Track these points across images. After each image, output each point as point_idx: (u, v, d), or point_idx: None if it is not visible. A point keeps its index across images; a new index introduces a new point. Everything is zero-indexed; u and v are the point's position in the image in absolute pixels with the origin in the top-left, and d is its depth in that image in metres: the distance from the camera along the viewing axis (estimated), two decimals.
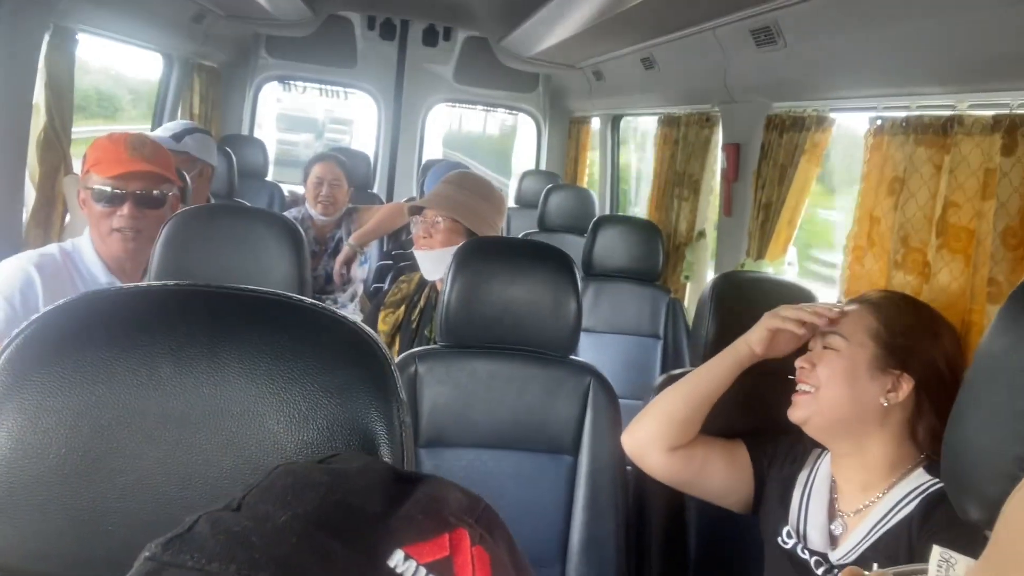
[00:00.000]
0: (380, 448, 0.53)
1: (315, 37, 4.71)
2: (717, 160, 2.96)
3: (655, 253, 2.93)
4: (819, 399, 1.19)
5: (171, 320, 0.52)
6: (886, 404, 1.15)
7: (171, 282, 0.55)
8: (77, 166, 2.61)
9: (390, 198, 4.97)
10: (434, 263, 1.90)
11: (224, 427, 0.51)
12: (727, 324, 1.65)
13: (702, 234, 3.15)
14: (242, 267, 1.55)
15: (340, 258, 3.11)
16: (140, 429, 0.50)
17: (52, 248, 1.64)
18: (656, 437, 1.33)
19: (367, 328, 0.57)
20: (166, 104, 4.04)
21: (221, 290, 0.55)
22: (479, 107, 5.59)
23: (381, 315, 2.06)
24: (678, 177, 3.26)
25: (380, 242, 3.72)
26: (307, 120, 11.53)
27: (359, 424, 0.53)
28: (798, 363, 1.23)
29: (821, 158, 2.37)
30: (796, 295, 1.66)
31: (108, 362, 0.50)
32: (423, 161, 5.17)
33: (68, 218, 2.55)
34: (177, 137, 2.81)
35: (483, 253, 1.68)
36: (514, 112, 5.62)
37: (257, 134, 5.03)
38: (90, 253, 1.64)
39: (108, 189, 1.58)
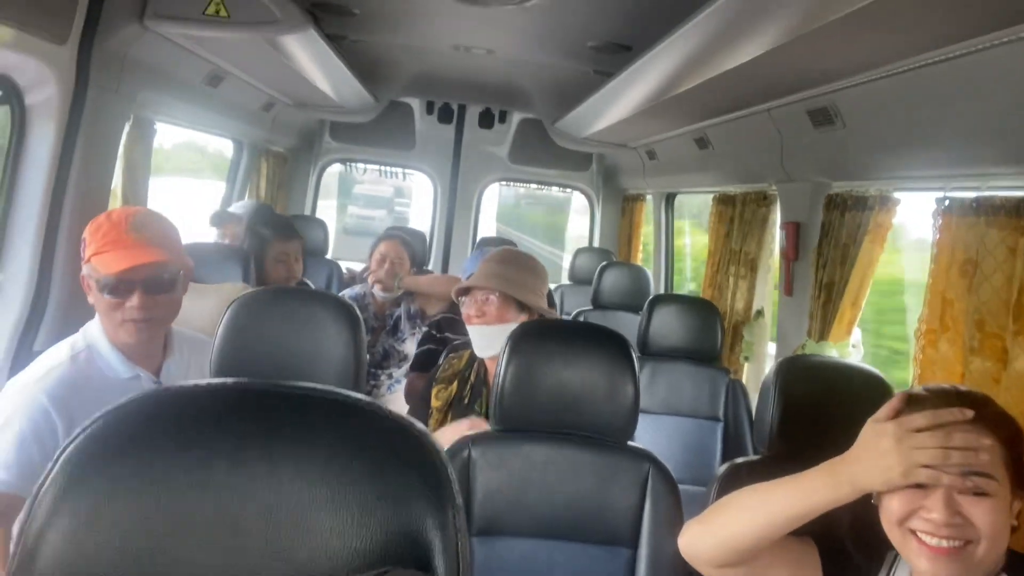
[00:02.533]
0: (435, 559, 0.50)
1: (376, 121, 4.92)
2: (775, 238, 2.91)
3: (713, 333, 2.86)
4: (975, 555, 0.99)
5: (226, 420, 0.51)
6: (1015, 525, 1.02)
7: (227, 380, 0.55)
8: None
9: None
10: (488, 339, 1.90)
11: (277, 534, 0.49)
12: (793, 410, 1.58)
13: (760, 313, 3.08)
14: (301, 349, 1.56)
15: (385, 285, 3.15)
16: (193, 535, 0.49)
17: (63, 354, 1.53)
18: (716, 556, 1.20)
19: (424, 430, 0.55)
20: (235, 185, 4.24)
21: (276, 388, 0.54)
22: (533, 185, 5.70)
23: (434, 391, 2.05)
24: (734, 255, 3.21)
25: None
26: (380, 198, 12.56)
27: (414, 533, 0.50)
28: (940, 517, 0.98)
29: (885, 238, 2.30)
30: (867, 382, 1.58)
31: (165, 466, 0.49)
32: (478, 238, 5.26)
33: None
34: (254, 212, 2.97)
35: (538, 335, 1.66)
36: (567, 191, 5.70)
37: (320, 211, 5.22)
38: (105, 346, 1.56)
39: (114, 280, 1.48)
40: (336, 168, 5.71)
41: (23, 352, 2.23)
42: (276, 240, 2.78)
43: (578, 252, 4.89)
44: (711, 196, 3.64)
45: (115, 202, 2.55)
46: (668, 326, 2.86)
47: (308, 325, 1.58)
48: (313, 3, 2.94)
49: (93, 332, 1.57)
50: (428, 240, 5.12)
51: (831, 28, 1.64)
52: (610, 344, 1.65)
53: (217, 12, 2.20)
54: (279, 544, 0.49)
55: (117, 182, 2.55)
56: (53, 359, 1.52)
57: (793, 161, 2.59)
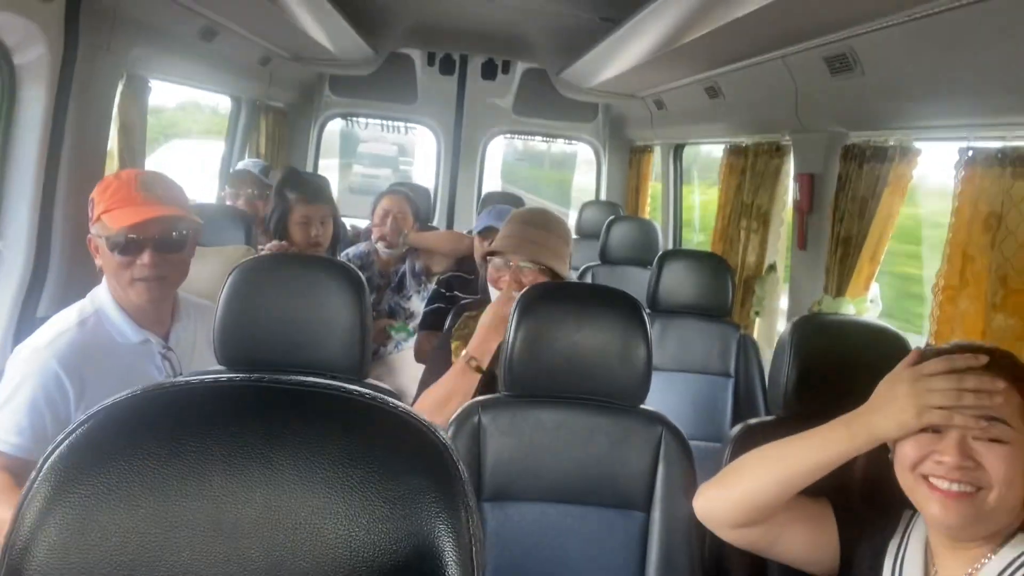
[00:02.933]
0: (448, 568, 0.47)
1: (376, 74, 4.79)
2: (788, 191, 2.84)
3: (724, 288, 2.81)
4: (986, 502, 0.98)
5: (223, 421, 0.47)
6: None
7: (222, 376, 0.51)
8: None
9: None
10: None
11: (278, 540, 0.46)
12: (809, 370, 1.54)
13: (772, 268, 3.02)
14: (304, 317, 1.53)
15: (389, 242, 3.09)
16: (189, 543, 0.46)
17: (72, 319, 1.52)
18: (734, 517, 1.21)
19: (436, 428, 0.51)
20: (234, 143, 4.16)
21: (277, 384, 0.50)
22: (538, 138, 5.59)
23: (453, 346, 2.02)
24: (746, 208, 3.14)
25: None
26: (385, 157, 12.61)
27: (425, 539, 0.47)
28: (952, 460, 0.98)
29: (906, 191, 2.23)
30: (887, 341, 1.54)
31: (157, 471, 0.46)
32: (482, 194, 5.18)
33: None
34: (264, 172, 2.90)
35: (548, 298, 1.62)
36: (573, 142, 5.59)
37: (322, 169, 5.14)
38: (114, 310, 1.55)
39: (124, 238, 1.48)
40: (338, 126, 5.61)
41: (26, 319, 2.20)
42: (299, 202, 2.70)
43: (585, 206, 4.82)
44: (719, 148, 3.55)
45: (112, 163, 2.50)
46: (678, 282, 2.81)
47: (311, 292, 1.54)
48: None
49: (101, 296, 1.57)
50: (432, 196, 5.05)
51: None
52: (622, 306, 1.61)
53: None
54: (281, 553, 0.46)
55: (113, 143, 2.48)
56: (62, 324, 1.52)
57: (808, 110, 2.50)
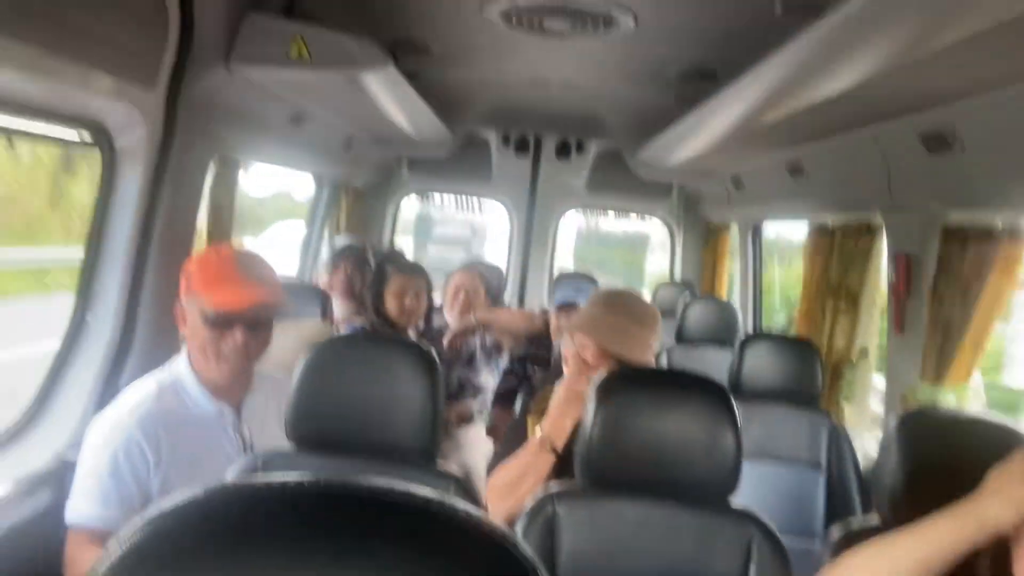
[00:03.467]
0: None
1: (452, 155, 4.93)
2: (881, 272, 2.68)
3: (812, 373, 2.65)
4: None
5: (289, 532, 0.42)
6: None
7: (290, 478, 0.46)
8: None
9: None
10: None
11: None
12: (920, 471, 1.39)
13: (864, 352, 2.84)
14: (379, 396, 1.51)
15: (460, 326, 3.08)
16: None
17: (150, 389, 1.57)
18: None
19: (524, 547, 0.45)
20: (316, 221, 4.30)
21: (349, 490, 0.45)
22: (611, 213, 5.59)
23: (530, 421, 1.95)
24: (833, 289, 2.99)
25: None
26: (458, 238, 13.39)
27: None
28: None
29: (1015, 274, 2.07)
30: (1010, 441, 1.38)
31: None
32: (555, 273, 5.17)
33: None
34: (347, 249, 3.01)
35: (628, 383, 1.54)
36: (646, 218, 5.56)
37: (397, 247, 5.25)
38: (191, 381, 1.59)
39: (219, 315, 1.53)
40: (414, 208, 5.77)
41: (110, 391, 2.25)
42: (396, 274, 2.80)
43: (659, 286, 4.73)
44: (795, 226, 3.43)
45: (201, 241, 2.59)
46: (763, 365, 2.67)
47: (385, 372, 1.53)
48: (392, 41, 2.96)
49: (179, 367, 1.61)
50: (504, 274, 5.07)
51: (951, 50, 1.48)
52: (708, 393, 1.52)
53: (300, 54, 2.21)
54: None
55: (202, 222, 2.58)
56: (141, 394, 1.56)
57: (903, 188, 2.38)
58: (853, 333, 2.85)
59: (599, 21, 2.60)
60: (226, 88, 2.31)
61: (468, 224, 12.99)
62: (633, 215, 5.66)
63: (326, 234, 4.36)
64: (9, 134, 1.74)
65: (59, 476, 2.01)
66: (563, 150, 5.08)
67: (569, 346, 1.82)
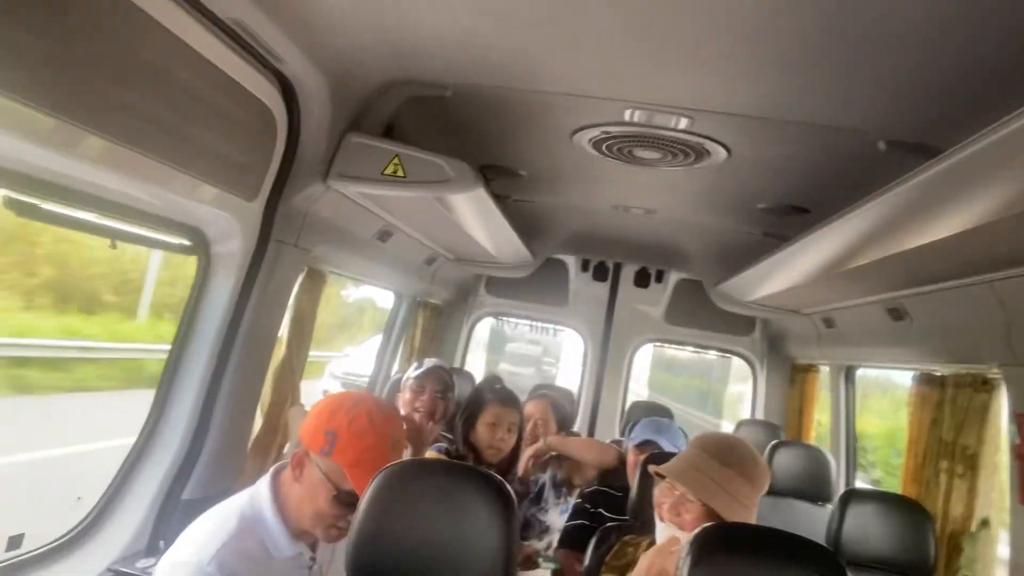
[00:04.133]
0: None
1: (531, 277, 4.93)
2: (1001, 432, 2.42)
3: (924, 542, 2.35)
4: None
5: None
6: None
7: None
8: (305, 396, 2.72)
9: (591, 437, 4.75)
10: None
11: None
12: None
13: (986, 523, 2.51)
14: (448, 533, 1.38)
15: (531, 450, 2.89)
16: None
17: (231, 524, 1.46)
18: None
19: None
20: (392, 335, 4.30)
21: None
22: (689, 348, 5.40)
23: None
24: (945, 448, 2.70)
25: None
26: (529, 356, 13.51)
27: None
28: None
29: None
30: None
31: None
32: (628, 403, 4.97)
33: (287, 448, 2.60)
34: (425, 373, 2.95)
35: (727, 544, 1.36)
36: (727, 356, 5.34)
37: (468, 365, 5.19)
38: (274, 522, 1.49)
39: (355, 497, 1.44)
40: (488, 324, 5.75)
41: (171, 501, 2.19)
42: (494, 403, 2.70)
43: (741, 424, 4.45)
44: (893, 372, 3.18)
45: (279, 350, 2.58)
46: (866, 528, 2.39)
47: (457, 507, 1.40)
48: (483, 165, 3.02)
49: (262, 505, 1.50)
50: (575, 401, 4.90)
51: None
52: (815, 560, 1.32)
53: (395, 172, 2.26)
54: None
55: (284, 330, 2.59)
56: (222, 532, 1.44)
57: None
58: (972, 500, 2.53)
59: (690, 152, 2.58)
60: (321, 202, 2.36)
61: (539, 342, 13.07)
62: (713, 353, 5.46)
63: (400, 350, 4.35)
64: (115, 236, 1.79)
65: None
66: (642, 278, 5.02)
67: (658, 492, 1.65)
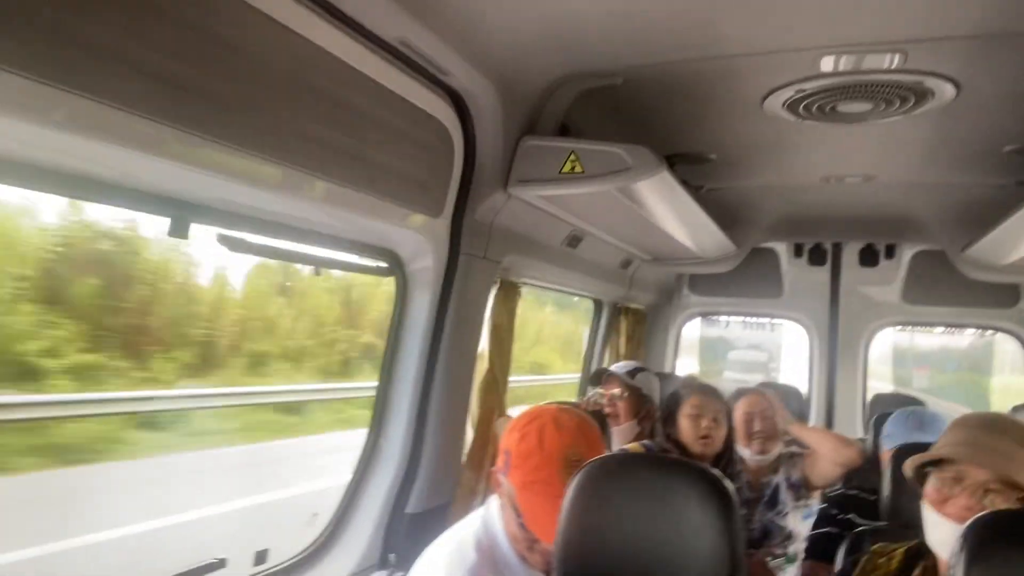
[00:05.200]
0: None
1: (737, 270, 4.59)
2: None
3: None
4: None
5: None
6: None
7: None
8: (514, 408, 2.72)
9: None
10: None
11: None
12: None
13: None
14: (658, 529, 1.24)
15: (759, 455, 2.65)
16: None
17: (469, 554, 1.41)
18: None
19: None
20: (595, 345, 4.23)
21: None
22: (938, 329, 4.71)
23: None
24: None
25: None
26: (755, 363, 12.96)
27: None
28: None
29: None
30: None
31: None
32: (868, 396, 4.43)
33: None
34: (631, 374, 2.88)
35: (1014, 535, 1.09)
36: (987, 333, 4.57)
37: (679, 370, 4.96)
38: (507, 548, 1.43)
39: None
40: (697, 331, 5.48)
41: (397, 516, 2.27)
42: (693, 393, 2.57)
43: (1017, 409, 3.76)
44: None
45: (482, 363, 2.61)
46: None
47: (668, 504, 1.26)
48: (668, 155, 2.86)
49: (495, 530, 1.46)
50: (806, 398, 4.46)
51: None
52: None
53: (573, 169, 2.19)
54: None
55: (484, 345, 2.61)
56: (462, 566, 1.40)
57: None
58: None
59: (909, 96, 2.22)
60: (504, 212, 2.36)
61: (764, 347, 12.36)
62: (969, 331, 4.71)
63: (606, 357, 4.26)
64: (318, 263, 1.90)
65: None
66: (869, 257, 4.45)
67: (935, 488, 1.37)
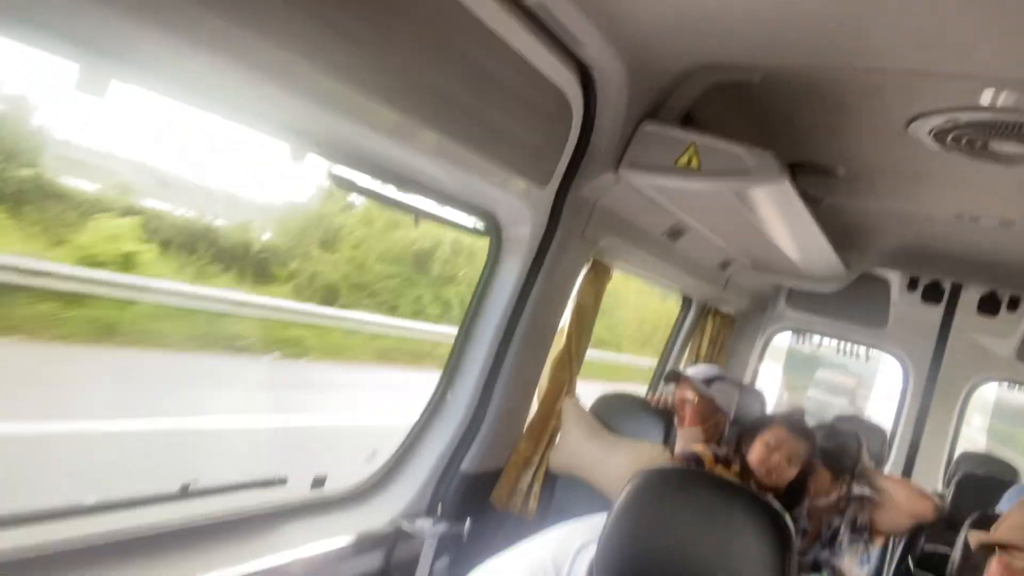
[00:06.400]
0: None
1: (842, 292, 4.35)
2: None
3: None
4: None
5: None
6: None
7: None
8: (580, 388, 2.71)
9: None
10: None
11: None
12: None
13: None
14: (707, 551, 1.21)
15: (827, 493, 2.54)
16: None
17: (547, 567, 1.31)
18: None
19: None
20: (676, 341, 4.14)
21: None
22: None
23: None
24: None
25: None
26: (842, 387, 12.52)
27: None
28: None
29: None
30: None
31: None
32: (955, 452, 4.17)
33: (559, 438, 2.61)
34: (707, 381, 2.79)
35: None
36: None
37: (760, 383, 4.80)
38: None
39: None
40: (785, 340, 5.26)
41: (450, 471, 2.32)
42: (780, 425, 2.43)
43: None
44: None
45: (560, 340, 2.60)
46: None
47: (721, 525, 1.22)
48: (792, 162, 2.71)
49: None
50: (889, 438, 4.23)
51: None
52: None
53: (689, 163, 2.11)
54: None
55: (565, 321, 2.60)
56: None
57: None
58: None
59: None
60: (610, 193, 2.31)
61: (855, 372, 11.88)
62: None
63: (685, 356, 4.17)
64: (418, 213, 1.93)
65: (391, 540, 2.09)
66: (989, 304, 4.13)
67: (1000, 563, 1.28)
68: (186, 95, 1.33)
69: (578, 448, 2.54)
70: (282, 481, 1.85)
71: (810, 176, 2.96)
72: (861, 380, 12.31)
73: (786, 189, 2.18)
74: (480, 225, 2.19)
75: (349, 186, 1.68)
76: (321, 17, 1.29)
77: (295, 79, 1.31)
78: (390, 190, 1.82)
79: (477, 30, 1.63)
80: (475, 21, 1.60)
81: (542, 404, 2.59)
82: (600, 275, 2.65)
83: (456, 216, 2.10)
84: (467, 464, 2.34)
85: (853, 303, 4.43)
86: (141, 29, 1.10)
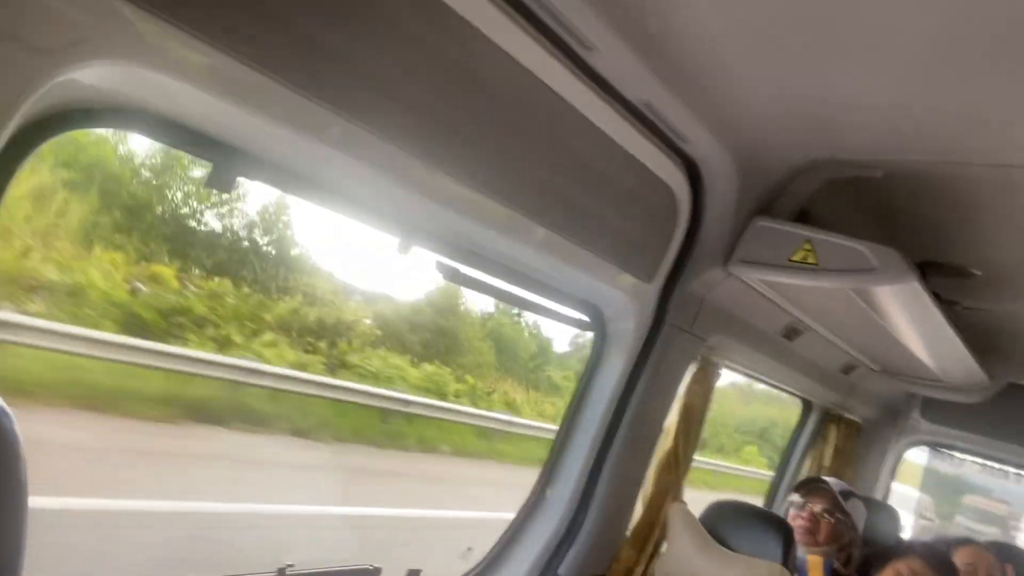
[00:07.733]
0: None
1: (986, 404, 3.94)
2: None
3: None
4: None
5: None
6: None
7: None
8: (687, 494, 2.56)
9: None
10: None
11: None
12: None
13: None
14: None
15: None
16: None
17: None
18: None
19: None
20: (795, 448, 3.87)
21: None
22: None
23: None
24: None
25: None
26: (993, 515, 11.28)
27: None
28: None
29: None
30: None
31: None
32: None
33: (665, 547, 2.45)
34: (844, 495, 2.60)
35: None
36: None
37: (895, 500, 4.35)
38: None
39: None
40: (922, 457, 4.79)
41: (548, 574, 2.21)
42: (919, 555, 2.24)
43: None
44: None
45: (666, 440, 2.49)
46: None
47: None
48: (922, 262, 2.55)
49: None
50: None
51: None
52: None
53: (805, 259, 2.03)
54: None
55: (672, 420, 2.49)
56: None
57: None
58: None
59: None
60: (720, 289, 2.24)
61: (1008, 498, 10.61)
62: None
63: (806, 466, 3.87)
64: (522, 305, 1.94)
65: None
66: None
67: None
68: (309, 192, 1.43)
69: (687, 560, 2.37)
70: (376, 571, 1.82)
71: (941, 277, 2.76)
72: (1015, 510, 10.96)
73: (915, 289, 2.04)
74: (585, 318, 2.17)
75: (455, 276, 1.72)
76: (438, 118, 1.36)
77: (409, 174, 1.38)
78: (498, 282, 1.85)
79: (585, 127, 1.67)
80: (582, 119, 1.65)
81: (647, 509, 2.45)
82: (709, 373, 2.55)
83: (561, 309, 2.10)
84: (565, 569, 2.23)
85: (999, 417, 3.99)
86: (273, 128, 1.20)
